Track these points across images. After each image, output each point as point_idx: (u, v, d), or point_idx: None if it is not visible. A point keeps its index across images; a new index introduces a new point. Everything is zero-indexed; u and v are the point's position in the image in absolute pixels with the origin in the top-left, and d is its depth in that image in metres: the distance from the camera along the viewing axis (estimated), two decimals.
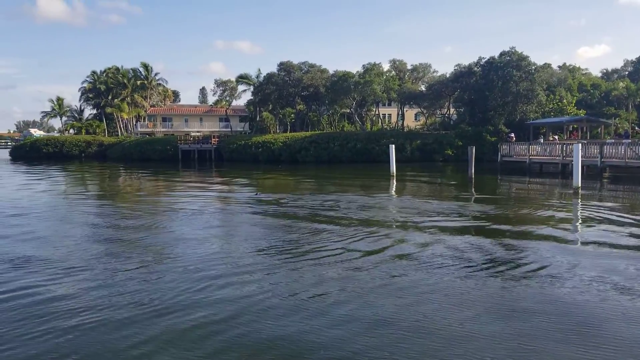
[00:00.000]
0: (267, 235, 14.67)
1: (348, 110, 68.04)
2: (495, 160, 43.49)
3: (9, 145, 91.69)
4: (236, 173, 42.02)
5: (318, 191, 26.55)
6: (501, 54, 55.41)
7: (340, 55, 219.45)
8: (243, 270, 10.65)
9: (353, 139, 55.59)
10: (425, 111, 67.73)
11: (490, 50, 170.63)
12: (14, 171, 48.31)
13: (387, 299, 8.72)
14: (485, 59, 56.73)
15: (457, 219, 17.04)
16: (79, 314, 8.12)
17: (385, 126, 70.44)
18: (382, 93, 60.19)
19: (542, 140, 43.53)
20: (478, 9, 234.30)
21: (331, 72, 65.24)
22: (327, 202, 21.57)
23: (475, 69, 57.40)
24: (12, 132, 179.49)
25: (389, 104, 70.99)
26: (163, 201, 24.23)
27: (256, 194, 25.83)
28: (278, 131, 69.33)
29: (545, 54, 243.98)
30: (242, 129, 77.97)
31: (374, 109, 69.27)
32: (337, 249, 12.50)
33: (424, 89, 64.43)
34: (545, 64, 58.94)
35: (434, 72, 68.76)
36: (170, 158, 61.74)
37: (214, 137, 64.66)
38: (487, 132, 53.30)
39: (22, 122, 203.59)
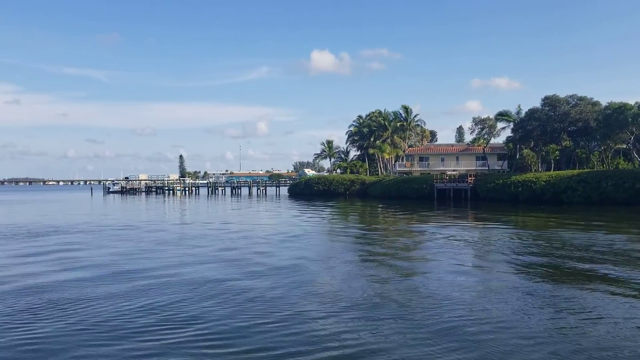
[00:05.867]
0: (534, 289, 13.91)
1: (624, 146, 60.29)
2: None
3: (288, 183, 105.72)
4: (493, 213, 40.68)
5: (589, 235, 23.96)
6: None
7: (614, 86, 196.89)
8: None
9: (631, 177, 48.75)
10: None
11: None
12: (304, 206, 55.21)
13: None
14: None
15: None
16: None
17: None
18: None
19: None
20: None
21: (604, 104, 58.96)
22: (604, 248, 19.36)
23: None
24: (290, 171, 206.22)
25: None
26: (418, 240, 24.86)
27: None
28: (540, 169, 65.04)
29: None
30: (499, 168, 75.49)
31: None
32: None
33: None
34: None
35: None
36: (426, 196, 62.91)
37: (470, 175, 63.88)
38: None
39: (298, 163, 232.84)
